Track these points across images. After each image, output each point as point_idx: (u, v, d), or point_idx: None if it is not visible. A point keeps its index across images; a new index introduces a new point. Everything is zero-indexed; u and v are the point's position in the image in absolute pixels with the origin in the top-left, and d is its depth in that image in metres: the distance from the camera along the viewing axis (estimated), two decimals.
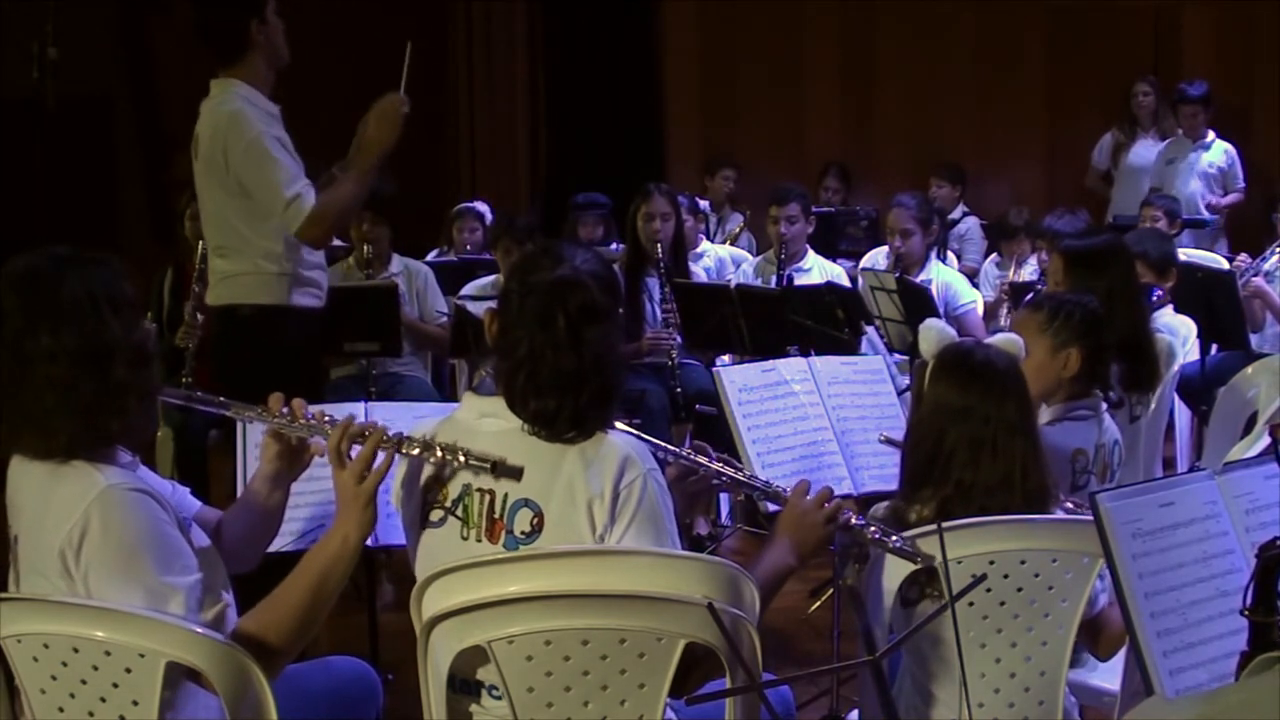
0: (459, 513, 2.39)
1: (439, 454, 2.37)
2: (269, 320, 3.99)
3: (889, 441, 3.35)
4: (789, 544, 2.53)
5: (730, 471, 2.66)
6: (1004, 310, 6.15)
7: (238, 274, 4.00)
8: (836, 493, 2.61)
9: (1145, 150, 8.21)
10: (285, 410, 2.53)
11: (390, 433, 2.41)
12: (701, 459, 2.63)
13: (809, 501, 2.56)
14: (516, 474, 2.34)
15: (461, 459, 2.35)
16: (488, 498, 2.37)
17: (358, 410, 3.12)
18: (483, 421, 2.41)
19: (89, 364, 2.25)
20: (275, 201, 3.87)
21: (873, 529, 2.52)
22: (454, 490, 2.40)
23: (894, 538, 2.49)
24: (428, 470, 2.44)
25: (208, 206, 4.07)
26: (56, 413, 2.25)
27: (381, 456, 2.39)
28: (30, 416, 2.27)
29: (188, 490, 2.57)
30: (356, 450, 2.41)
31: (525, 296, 2.37)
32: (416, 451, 2.39)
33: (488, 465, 2.33)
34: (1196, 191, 7.74)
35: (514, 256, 4.98)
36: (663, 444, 2.59)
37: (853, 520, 2.55)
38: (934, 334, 2.80)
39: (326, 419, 2.51)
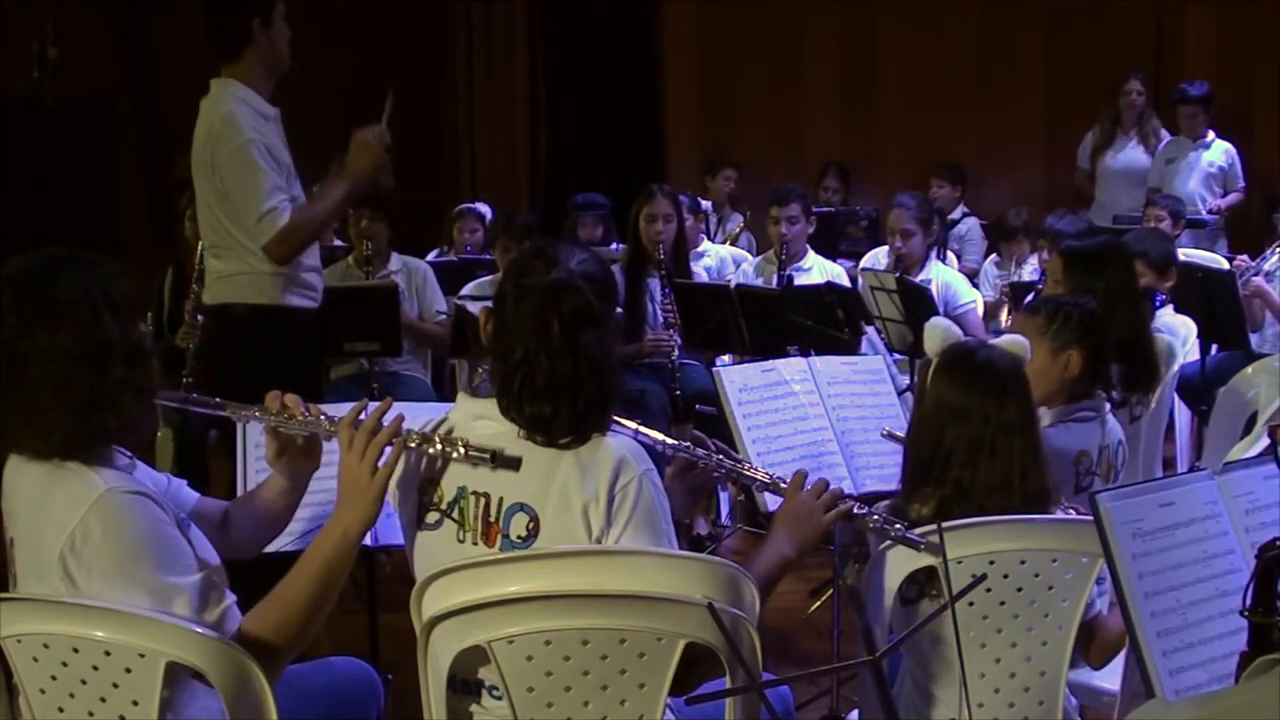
0: (454, 515, 2.38)
1: (438, 446, 2.36)
2: (263, 320, 3.99)
3: (890, 436, 3.35)
4: (787, 536, 2.54)
5: (730, 463, 2.66)
6: (1004, 310, 6.15)
7: (232, 274, 4.02)
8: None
9: (1126, 153, 8.15)
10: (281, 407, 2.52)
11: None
12: (700, 450, 2.63)
13: (807, 493, 2.56)
14: (515, 464, 2.33)
15: (461, 450, 2.34)
16: (483, 501, 2.36)
17: (366, 401, 3.11)
18: (477, 424, 2.40)
19: (86, 362, 2.25)
20: (250, 211, 3.90)
21: (875, 517, 2.52)
22: (449, 492, 2.39)
23: (896, 526, 2.49)
24: (423, 471, 2.43)
25: (201, 206, 4.08)
26: (53, 411, 2.24)
27: (389, 450, 2.38)
28: (27, 416, 2.26)
29: (185, 482, 2.57)
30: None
31: (519, 301, 2.35)
32: (415, 445, 2.38)
33: (487, 456, 2.33)
34: (1196, 191, 7.73)
35: (512, 255, 4.98)
36: (663, 438, 2.58)
37: (854, 509, 2.54)
38: (939, 332, 2.80)
39: (323, 415, 2.51)
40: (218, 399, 2.58)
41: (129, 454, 2.38)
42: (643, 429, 2.53)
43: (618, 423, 2.45)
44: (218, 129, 3.91)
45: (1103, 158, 8.21)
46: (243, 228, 3.94)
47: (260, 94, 4.00)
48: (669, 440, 2.60)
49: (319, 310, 4.15)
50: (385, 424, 2.38)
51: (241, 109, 3.92)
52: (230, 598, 2.32)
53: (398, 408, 2.45)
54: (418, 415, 2.51)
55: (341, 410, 2.48)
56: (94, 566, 2.20)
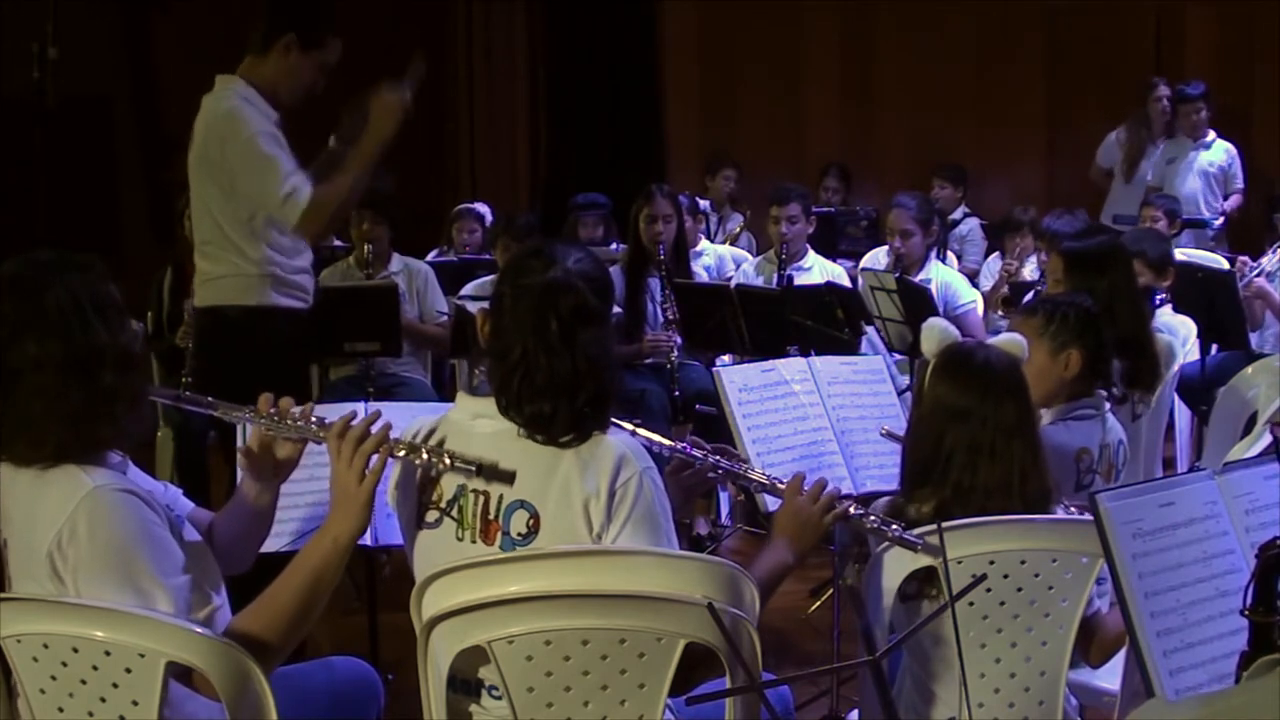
0: (454, 514, 2.38)
1: (425, 456, 2.36)
2: (252, 322, 3.96)
3: (890, 435, 3.35)
4: (787, 541, 2.54)
5: (727, 463, 2.66)
6: (1004, 291, 6.17)
7: (220, 276, 3.98)
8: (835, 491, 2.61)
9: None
10: (273, 410, 2.52)
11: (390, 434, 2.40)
12: (698, 451, 2.63)
13: (805, 496, 2.56)
14: (508, 478, 2.34)
15: (447, 462, 2.34)
16: (482, 499, 2.36)
17: (357, 410, 3.11)
18: (477, 422, 2.40)
19: (76, 371, 2.24)
20: (271, 197, 3.84)
21: (872, 518, 2.52)
22: (449, 491, 2.40)
23: (894, 526, 2.49)
24: (421, 471, 2.43)
25: (196, 202, 4.06)
26: (45, 420, 2.24)
27: (375, 457, 2.38)
28: (20, 425, 2.26)
29: (180, 492, 2.56)
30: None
31: (517, 300, 2.36)
32: (403, 454, 2.38)
33: (473, 469, 2.33)
34: (1196, 191, 7.73)
35: None
36: (659, 438, 2.58)
37: (851, 510, 2.54)
38: (937, 333, 2.80)
39: (314, 420, 2.50)
40: (210, 398, 2.57)
41: (121, 455, 2.36)
42: (640, 430, 2.53)
43: (616, 423, 2.45)
44: (222, 126, 3.89)
45: (1138, 168, 8.07)
46: (248, 222, 3.90)
47: (264, 97, 3.98)
48: (665, 441, 2.60)
49: (311, 311, 4.12)
50: (373, 432, 2.38)
51: (246, 105, 3.91)
52: (218, 600, 2.32)
53: (399, 409, 2.45)
54: (418, 416, 2.51)
55: (335, 411, 2.48)
56: (80, 564, 2.20)
